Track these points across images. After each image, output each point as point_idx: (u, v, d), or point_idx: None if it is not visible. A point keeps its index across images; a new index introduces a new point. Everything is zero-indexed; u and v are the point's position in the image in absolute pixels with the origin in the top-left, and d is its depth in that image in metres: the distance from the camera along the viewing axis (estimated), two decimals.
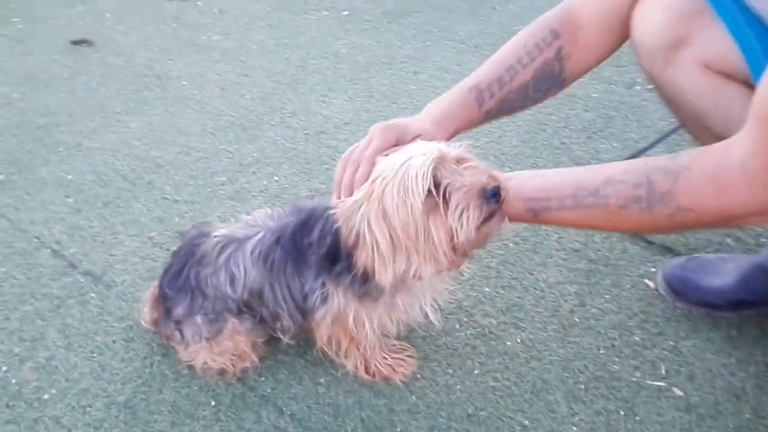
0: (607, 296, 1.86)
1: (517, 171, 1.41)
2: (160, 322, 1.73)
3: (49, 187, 2.39)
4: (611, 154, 2.36)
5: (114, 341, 1.83)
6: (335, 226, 1.39)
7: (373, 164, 1.35)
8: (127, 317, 1.87)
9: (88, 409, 1.68)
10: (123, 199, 2.32)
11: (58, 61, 3.17)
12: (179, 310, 1.66)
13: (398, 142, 1.39)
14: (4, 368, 1.79)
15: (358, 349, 1.64)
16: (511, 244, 2.03)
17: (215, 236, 1.63)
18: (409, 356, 1.72)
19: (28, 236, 2.19)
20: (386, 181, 1.29)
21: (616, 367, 1.68)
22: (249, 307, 1.63)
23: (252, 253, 1.57)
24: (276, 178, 2.38)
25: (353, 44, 3.15)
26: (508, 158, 2.37)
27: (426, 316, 1.60)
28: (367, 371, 1.69)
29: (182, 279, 1.66)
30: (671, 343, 1.72)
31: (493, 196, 1.25)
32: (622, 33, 1.53)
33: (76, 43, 3.29)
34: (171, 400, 1.68)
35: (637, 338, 1.74)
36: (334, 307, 1.53)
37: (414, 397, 1.66)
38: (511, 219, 1.33)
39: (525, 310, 1.84)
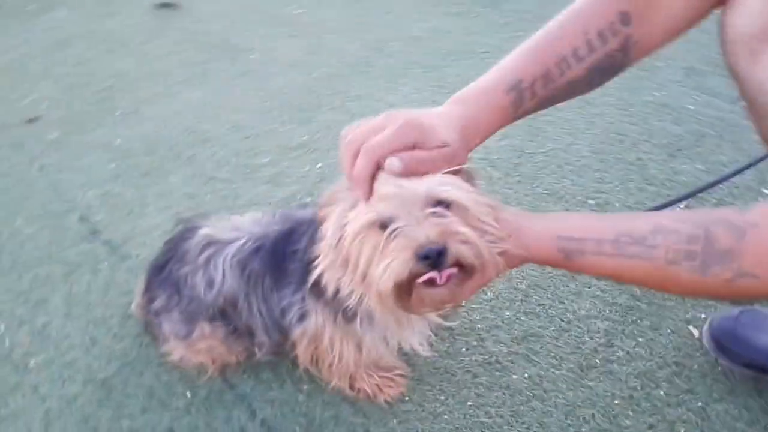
0: (640, 339, 1.64)
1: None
2: (144, 310, 1.66)
3: (96, 150, 2.38)
4: (691, 177, 2.10)
5: (112, 316, 1.78)
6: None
7: (374, 162, 1.07)
8: (130, 293, 1.80)
9: (66, 382, 1.64)
10: (162, 170, 2.28)
11: (138, 24, 3.18)
12: (158, 303, 1.59)
13: (416, 146, 1.09)
14: (3, 327, 1.77)
15: (342, 369, 1.51)
16: (546, 267, 1.83)
17: (200, 235, 1.55)
18: (399, 375, 1.58)
19: (63, 198, 2.18)
20: (346, 198, 1.14)
21: (627, 422, 1.47)
22: (224, 315, 1.54)
23: (231, 259, 1.48)
24: (319, 165, 2.27)
25: (435, 29, 2.99)
26: (572, 169, 2.16)
27: (412, 349, 1.46)
28: (351, 387, 1.55)
29: (164, 272, 1.59)
30: (700, 404, 1.49)
31: (426, 258, 1.03)
32: (701, 11, 1.23)
33: (161, 6, 3.28)
34: (148, 385, 1.62)
35: (662, 392, 1.52)
36: (312, 325, 1.40)
37: (395, 421, 1.52)
38: (538, 261, 1.11)
39: (543, 342, 1.65)
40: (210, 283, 1.51)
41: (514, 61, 1.17)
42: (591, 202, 2.03)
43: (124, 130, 2.47)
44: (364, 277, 1.13)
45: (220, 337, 1.58)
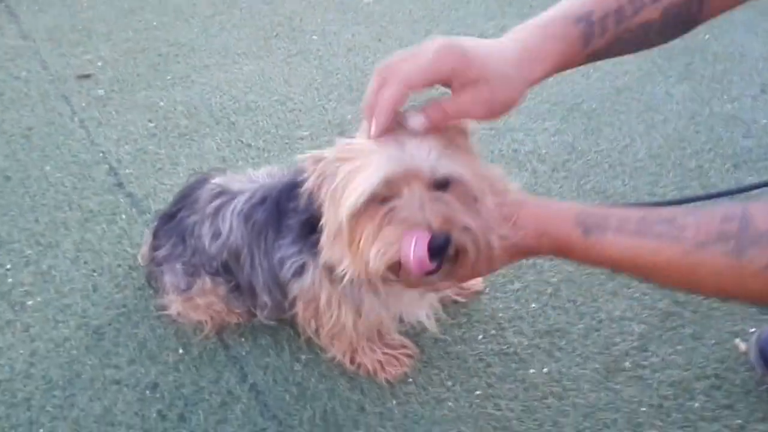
0: (679, 347, 1.46)
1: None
2: (149, 260, 1.58)
3: (138, 109, 2.33)
4: (755, 190, 1.89)
5: (119, 265, 1.71)
6: None
7: (402, 92, 0.94)
8: (142, 246, 1.73)
9: (59, 324, 1.57)
10: (200, 133, 2.21)
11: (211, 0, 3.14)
12: (162, 252, 1.51)
13: (453, 78, 0.95)
14: (8, 266, 1.72)
15: (343, 338, 1.39)
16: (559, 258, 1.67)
17: (212, 183, 1.46)
18: (405, 355, 1.44)
19: (95, 149, 2.14)
20: (348, 161, 1.02)
21: (654, 431, 1.30)
22: (227, 270, 1.44)
23: (238, 210, 1.38)
24: None
25: (504, 27, 2.82)
26: (625, 170, 1.99)
27: (417, 321, 1.33)
28: (352, 361, 1.43)
29: (173, 222, 1.51)
30: (739, 421, 1.31)
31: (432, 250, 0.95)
32: None
33: None
34: (141, 337, 1.53)
35: (697, 405, 1.34)
36: (307, 281, 1.29)
37: (393, 402, 1.38)
38: (549, 246, 0.98)
39: (568, 339, 1.49)
40: (216, 235, 1.42)
41: None
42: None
43: (171, 94, 2.41)
44: (358, 251, 1.04)
45: (221, 294, 1.48)
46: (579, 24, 1.01)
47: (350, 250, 1.05)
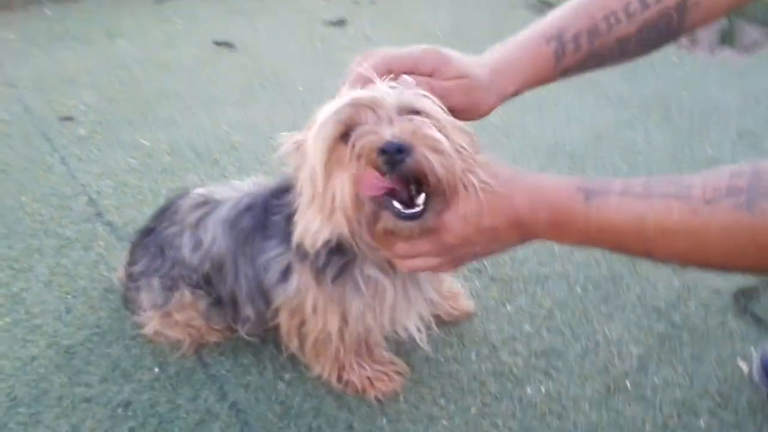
0: (679, 368, 1.41)
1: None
2: (124, 280, 1.51)
3: (121, 147, 2.30)
4: None
5: (94, 288, 1.64)
6: None
7: (385, 66, 0.98)
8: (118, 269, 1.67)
9: (28, 343, 1.49)
10: (183, 169, 2.17)
11: (194, 55, 3.17)
12: (138, 267, 1.46)
13: (433, 72, 0.99)
14: None
15: (329, 352, 1.32)
16: (578, 288, 1.63)
17: (193, 194, 1.42)
18: (395, 372, 1.37)
19: (75, 182, 2.09)
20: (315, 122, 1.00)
21: None
22: (208, 283, 1.38)
23: (222, 218, 1.33)
24: None
25: None
26: None
27: (407, 331, 1.26)
28: (339, 378, 1.35)
29: (151, 236, 1.46)
30: None
31: (384, 152, 0.88)
32: None
33: (218, 44, 3.29)
34: (115, 356, 1.45)
35: (702, 424, 1.29)
36: (293, 285, 1.23)
37: (384, 420, 1.31)
38: (555, 208, 0.89)
39: (565, 360, 1.43)
40: (197, 245, 1.37)
41: (558, 14, 1.07)
42: None
43: (155, 134, 2.39)
44: (328, 198, 0.96)
45: (201, 309, 1.42)
46: (550, 43, 1.04)
47: (323, 203, 0.98)
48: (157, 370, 1.42)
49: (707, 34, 3.54)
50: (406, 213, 0.92)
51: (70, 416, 1.32)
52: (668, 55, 3.16)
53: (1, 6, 3.74)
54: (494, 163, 0.96)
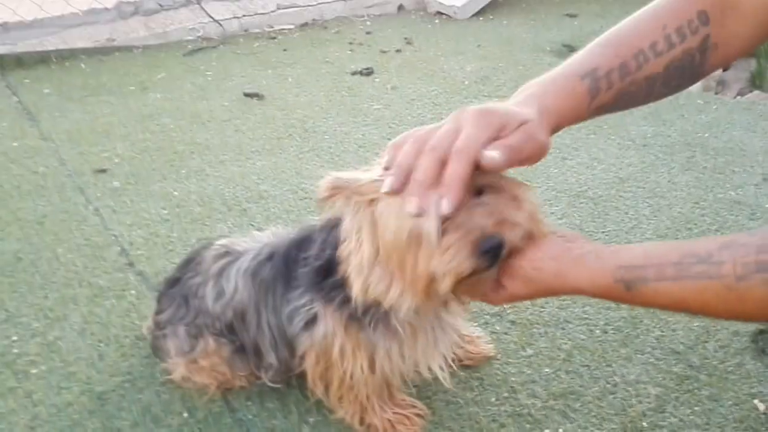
0: (697, 408, 1.42)
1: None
2: (152, 327, 1.57)
3: (153, 198, 2.38)
4: None
5: (126, 336, 1.70)
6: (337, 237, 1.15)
7: (471, 161, 0.94)
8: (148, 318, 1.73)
9: (63, 390, 1.55)
10: (212, 219, 2.24)
11: (224, 107, 3.26)
12: (164, 316, 1.52)
13: (500, 133, 0.97)
14: (15, 337, 1.72)
15: (353, 395, 1.36)
16: (597, 330, 1.65)
17: (216, 245, 1.48)
18: (416, 414, 1.40)
19: (108, 233, 2.16)
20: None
21: None
22: (231, 332, 1.43)
23: (244, 269, 1.39)
24: None
25: None
26: None
27: (430, 372, 1.30)
28: (361, 421, 1.39)
29: (177, 285, 1.52)
30: None
31: (487, 252, 0.98)
32: None
33: (248, 95, 3.38)
34: (146, 402, 1.50)
35: None
36: (320, 332, 1.28)
37: None
38: (596, 295, 0.99)
39: (583, 401, 1.45)
40: (220, 294, 1.43)
41: (589, 52, 1.09)
42: None
43: (185, 185, 2.47)
44: (409, 274, 1.04)
45: (225, 356, 1.47)
46: (585, 80, 1.05)
47: (402, 274, 1.05)
48: (186, 414, 1.46)
49: (736, 76, 3.56)
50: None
51: None
52: (694, 97, 3.19)
53: (37, 61, 3.89)
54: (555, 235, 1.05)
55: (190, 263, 1.52)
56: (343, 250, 1.13)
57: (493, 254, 0.99)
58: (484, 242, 0.98)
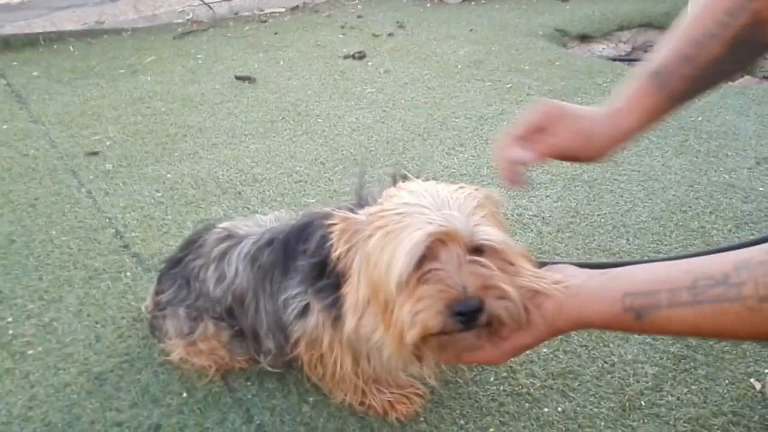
0: (694, 387, 1.43)
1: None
2: (151, 308, 1.56)
3: (146, 181, 2.37)
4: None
5: (123, 317, 1.69)
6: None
7: (514, 142, 1.12)
8: (147, 299, 1.72)
9: (60, 371, 1.53)
10: (207, 201, 2.23)
11: (215, 90, 3.25)
12: (165, 297, 1.51)
13: (551, 124, 1.12)
14: (9, 319, 1.71)
15: (348, 383, 1.36)
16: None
17: (218, 228, 1.47)
18: (415, 394, 1.40)
19: (102, 216, 2.15)
20: (381, 227, 1.04)
21: None
22: (231, 315, 1.43)
23: (245, 253, 1.39)
24: None
25: (503, 111, 2.95)
26: (629, 231, 2.00)
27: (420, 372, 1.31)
28: (361, 403, 1.39)
29: (179, 266, 1.51)
30: None
31: (461, 314, 0.94)
32: None
33: (239, 78, 3.37)
34: (144, 382, 1.49)
35: None
36: (311, 324, 1.27)
37: None
38: (605, 327, 0.96)
39: (581, 380, 1.46)
40: (221, 278, 1.42)
41: (656, 54, 1.14)
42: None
43: (179, 168, 2.45)
44: (392, 318, 1.02)
45: (224, 341, 1.46)
46: (653, 78, 1.11)
47: (383, 318, 1.03)
48: (185, 394, 1.46)
49: None
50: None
51: None
52: None
53: (25, 43, 3.85)
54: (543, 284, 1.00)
55: (192, 244, 1.51)
56: (346, 287, 1.12)
57: (468, 318, 0.94)
58: (460, 303, 0.93)
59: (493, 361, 1.06)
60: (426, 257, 0.98)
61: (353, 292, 1.10)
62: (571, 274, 0.97)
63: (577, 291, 0.94)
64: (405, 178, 1.17)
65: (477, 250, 0.99)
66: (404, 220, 1.00)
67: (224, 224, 1.50)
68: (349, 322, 1.11)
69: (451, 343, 1.00)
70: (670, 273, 0.87)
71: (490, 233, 1.00)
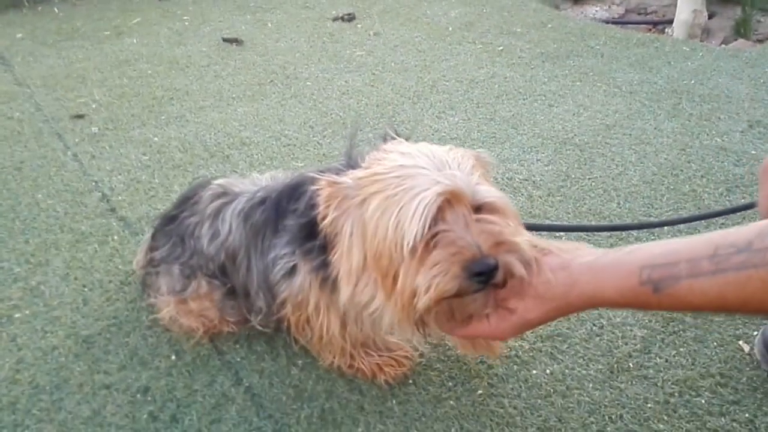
0: (682, 349, 1.44)
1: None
2: (145, 263, 1.55)
3: (132, 144, 2.34)
4: (749, 211, 1.89)
5: (110, 281, 1.68)
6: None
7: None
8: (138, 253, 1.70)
9: (48, 334, 1.53)
10: (194, 165, 2.21)
11: (202, 52, 3.21)
12: (159, 253, 1.50)
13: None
14: None
15: (335, 346, 1.35)
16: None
17: (214, 184, 1.45)
18: (404, 357, 1.40)
19: (88, 179, 2.13)
20: (379, 191, 1.01)
21: (661, 425, 1.27)
22: (223, 273, 1.42)
23: (238, 211, 1.37)
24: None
25: (495, 74, 2.92)
26: (620, 194, 1.99)
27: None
28: (350, 366, 1.39)
29: (174, 223, 1.50)
30: (747, 415, 1.28)
31: (478, 275, 0.92)
32: None
33: (226, 40, 3.33)
34: (132, 345, 1.49)
35: (703, 401, 1.31)
36: (296, 284, 1.26)
37: (393, 401, 1.34)
38: (621, 304, 0.90)
39: (570, 343, 1.46)
40: (215, 235, 1.41)
41: None
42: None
43: (165, 131, 2.43)
44: (396, 285, 0.99)
45: (216, 299, 1.45)
46: None
47: (383, 285, 1.01)
48: (173, 357, 1.45)
49: (721, 24, 3.55)
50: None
51: (91, 402, 1.36)
52: (679, 44, 3.18)
53: (10, 5, 3.79)
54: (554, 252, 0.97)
55: (187, 201, 1.50)
56: (334, 254, 1.10)
57: (485, 278, 0.93)
58: (476, 264, 0.92)
59: (499, 336, 1.03)
60: (430, 224, 0.96)
61: (346, 260, 1.07)
62: (587, 251, 0.94)
63: (592, 265, 0.90)
64: (388, 138, 1.15)
65: (478, 209, 0.98)
66: (405, 182, 0.98)
67: (219, 181, 1.49)
68: (345, 291, 1.09)
69: (460, 307, 1.00)
70: (689, 244, 0.83)
71: (491, 192, 0.99)
